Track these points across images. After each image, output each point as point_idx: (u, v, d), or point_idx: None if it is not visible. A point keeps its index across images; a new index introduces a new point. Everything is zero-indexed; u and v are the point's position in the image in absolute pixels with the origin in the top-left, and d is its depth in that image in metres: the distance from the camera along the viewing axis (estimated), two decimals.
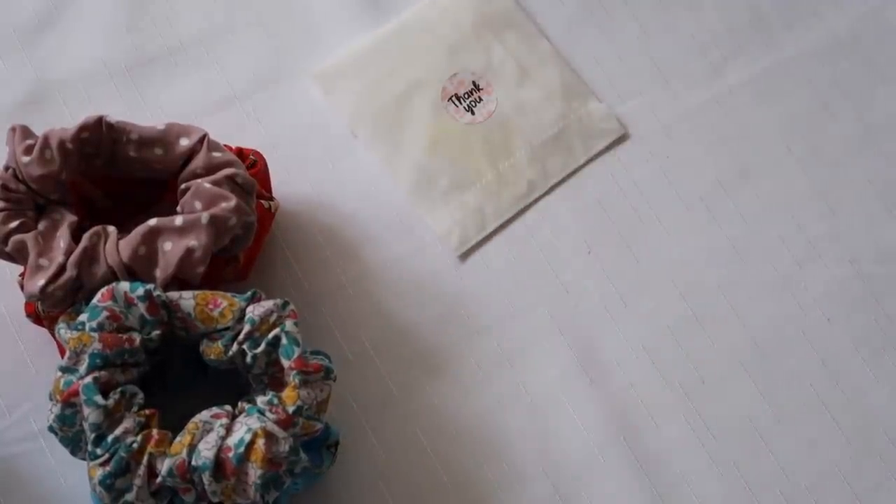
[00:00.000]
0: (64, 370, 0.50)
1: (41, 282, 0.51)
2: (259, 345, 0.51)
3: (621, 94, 0.68)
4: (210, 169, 0.54)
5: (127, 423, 0.49)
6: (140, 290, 0.50)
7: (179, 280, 0.53)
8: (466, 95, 0.67)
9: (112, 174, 0.57)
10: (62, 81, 0.66)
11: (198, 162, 0.55)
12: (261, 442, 0.48)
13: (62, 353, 0.53)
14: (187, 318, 0.51)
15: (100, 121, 0.54)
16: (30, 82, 0.65)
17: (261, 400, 0.50)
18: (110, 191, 0.59)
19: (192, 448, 0.48)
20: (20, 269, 0.55)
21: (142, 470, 0.48)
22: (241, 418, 0.50)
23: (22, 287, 0.53)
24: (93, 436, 0.48)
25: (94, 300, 0.51)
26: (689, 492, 0.59)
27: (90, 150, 0.55)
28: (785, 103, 0.68)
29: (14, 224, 0.53)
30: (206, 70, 0.67)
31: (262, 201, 0.58)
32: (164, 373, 0.55)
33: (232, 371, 0.54)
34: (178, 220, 0.53)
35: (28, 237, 0.53)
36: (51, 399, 0.50)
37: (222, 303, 0.51)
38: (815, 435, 0.60)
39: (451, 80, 0.67)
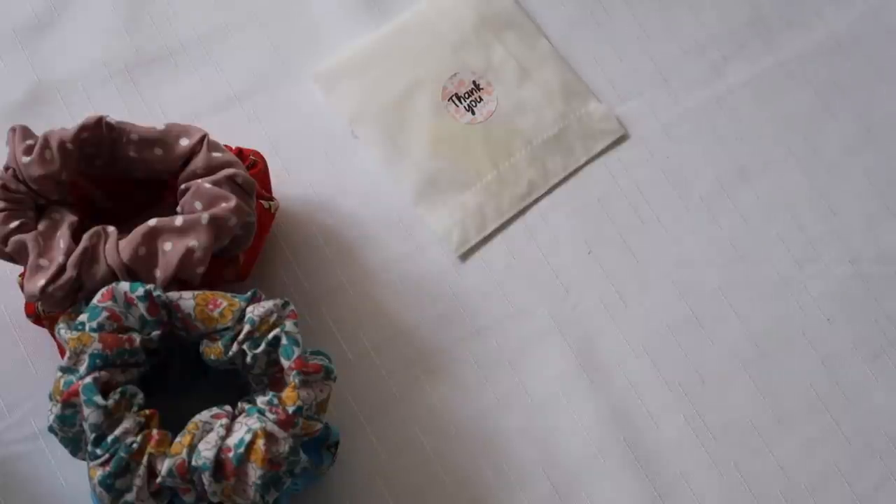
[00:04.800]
0: (64, 370, 0.50)
1: (41, 282, 0.51)
2: (259, 345, 0.51)
3: (621, 95, 0.68)
4: (210, 169, 0.54)
5: (127, 424, 0.49)
6: (140, 291, 0.50)
7: (179, 280, 0.53)
8: (467, 95, 0.67)
9: (112, 174, 0.57)
10: (62, 81, 0.66)
11: (198, 162, 0.55)
12: (261, 442, 0.48)
13: (62, 353, 0.53)
14: (187, 318, 0.51)
15: (100, 121, 0.55)
16: (30, 82, 0.65)
17: (261, 400, 0.50)
18: (110, 191, 0.59)
19: (192, 448, 0.48)
20: (20, 269, 0.55)
21: (142, 470, 0.48)
22: (241, 418, 0.50)
23: (22, 287, 0.53)
24: (93, 436, 0.48)
25: (94, 300, 0.51)
26: (689, 492, 0.59)
27: (90, 151, 0.55)
28: (785, 103, 0.68)
29: (14, 224, 0.53)
30: (206, 70, 0.67)
31: (262, 201, 0.58)
32: (164, 373, 0.55)
33: (232, 371, 0.54)
34: (178, 220, 0.53)
35: (28, 237, 0.53)
36: (51, 399, 0.50)
37: (222, 303, 0.51)
38: (815, 435, 0.60)
39: (451, 79, 0.67)
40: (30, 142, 0.54)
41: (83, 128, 0.54)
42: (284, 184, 0.63)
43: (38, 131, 0.55)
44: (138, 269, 0.52)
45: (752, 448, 0.60)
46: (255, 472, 0.48)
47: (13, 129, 0.55)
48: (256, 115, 0.66)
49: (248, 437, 0.48)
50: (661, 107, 0.68)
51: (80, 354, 0.50)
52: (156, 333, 0.51)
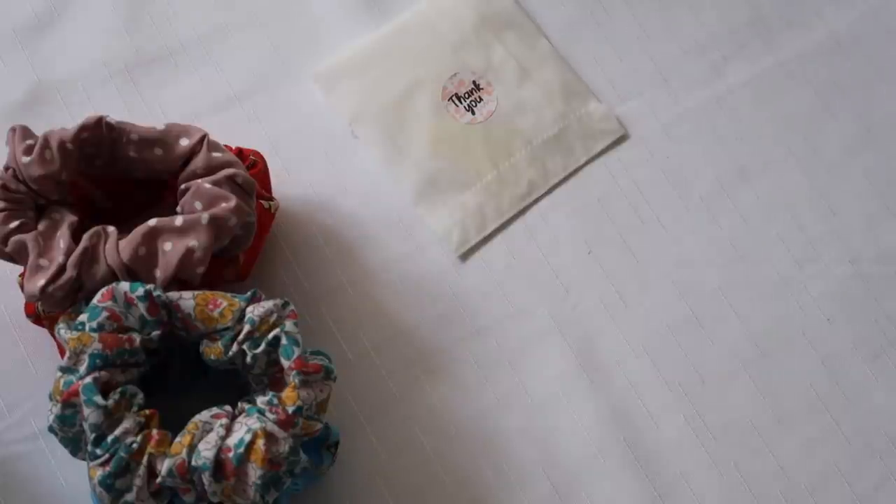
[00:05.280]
0: (64, 370, 0.50)
1: (41, 282, 0.51)
2: (259, 345, 0.51)
3: (621, 95, 0.68)
4: (210, 169, 0.54)
5: (127, 424, 0.49)
6: (140, 291, 0.50)
7: (179, 280, 0.53)
8: (467, 95, 0.67)
9: (112, 174, 0.57)
10: (62, 81, 0.66)
11: (198, 162, 0.55)
12: (261, 442, 0.48)
13: (62, 353, 0.53)
14: (187, 318, 0.51)
15: (100, 121, 0.54)
16: (30, 82, 0.65)
17: (261, 400, 0.50)
18: (110, 191, 0.59)
19: (192, 448, 0.48)
20: (20, 269, 0.55)
21: (142, 470, 0.48)
22: (241, 418, 0.50)
23: (22, 287, 0.53)
24: (93, 436, 0.48)
25: (94, 300, 0.51)
26: (689, 492, 0.59)
27: (90, 151, 0.55)
28: (785, 103, 0.68)
29: (14, 224, 0.53)
30: (206, 70, 0.67)
31: (262, 201, 0.58)
32: (164, 373, 0.55)
33: (232, 371, 0.54)
34: (178, 220, 0.53)
35: (28, 237, 0.53)
36: (51, 399, 0.50)
37: (222, 303, 0.51)
38: (815, 435, 0.60)
39: (451, 79, 0.67)
40: (30, 142, 0.54)
41: (83, 128, 0.54)
42: (284, 184, 0.63)
43: (38, 131, 0.55)
44: (138, 269, 0.52)
45: (752, 448, 0.60)
46: (255, 472, 0.48)
47: (13, 129, 0.55)
48: (256, 115, 0.66)
49: (248, 437, 0.48)
50: (661, 107, 0.68)
51: (80, 354, 0.50)
52: (156, 333, 0.51)
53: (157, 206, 0.60)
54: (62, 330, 0.51)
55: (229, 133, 0.61)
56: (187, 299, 0.51)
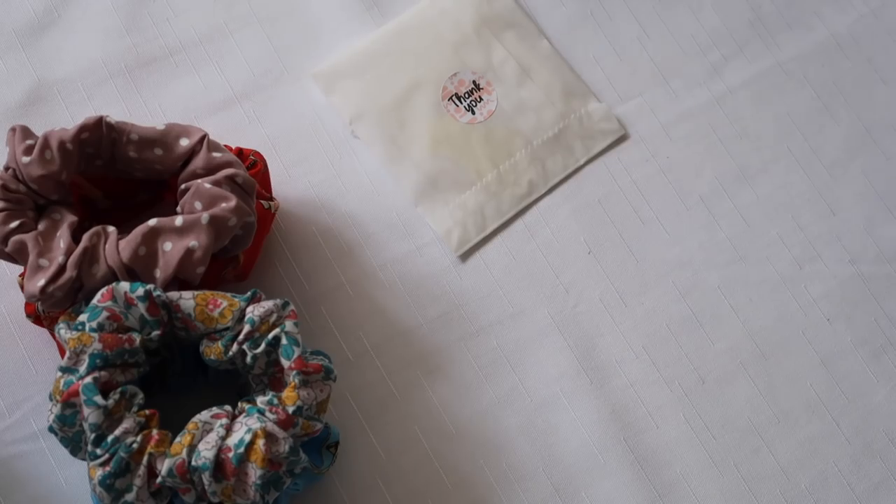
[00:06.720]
0: (64, 370, 0.50)
1: (41, 282, 0.51)
2: (259, 345, 0.51)
3: (621, 94, 0.68)
4: (210, 169, 0.54)
5: (127, 424, 0.49)
6: (140, 291, 0.50)
7: (179, 280, 0.53)
8: (467, 95, 0.67)
9: (112, 174, 0.57)
10: (62, 81, 0.65)
11: (198, 162, 0.55)
12: (261, 442, 0.48)
13: (62, 353, 0.53)
14: (187, 318, 0.51)
15: (100, 121, 0.54)
16: (30, 82, 0.65)
17: (261, 400, 0.50)
18: (110, 191, 0.59)
19: (192, 448, 0.48)
20: (20, 269, 0.55)
21: (142, 470, 0.48)
22: (241, 418, 0.50)
23: (22, 287, 0.53)
24: (93, 436, 0.48)
25: (94, 300, 0.51)
26: (689, 491, 0.59)
27: (90, 151, 0.55)
28: (785, 103, 0.68)
29: (14, 224, 0.53)
30: (206, 70, 0.67)
31: (262, 201, 0.58)
32: (164, 373, 0.55)
33: (232, 371, 0.54)
34: (178, 220, 0.53)
35: (28, 237, 0.53)
36: (51, 399, 0.50)
37: (222, 303, 0.52)
38: (815, 435, 0.60)
39: (451, 79, 0.67)
40: (30, 142, 0.54)
41: (83, 128, 0.54)
42: (284, 184, 0.63)
43: (38, 131, 0.55)
44: (138, 269, 0.52)
45: (752, 448, 0.60)
46: (255, 472, 0.48)
47: (13, 129, 0.55)
48: (256, 115, 0.66)
49: (248, 437, 0.48)
50: (661, 107, 0.68)
51: (80, 354, 0.50)
52: (156, 333, 0.51)
53: (157, 206, 0.60)
54: (62, 330, 0.51)
55: (229, 133, 0.61)
56: (187, 299, 0.51)
